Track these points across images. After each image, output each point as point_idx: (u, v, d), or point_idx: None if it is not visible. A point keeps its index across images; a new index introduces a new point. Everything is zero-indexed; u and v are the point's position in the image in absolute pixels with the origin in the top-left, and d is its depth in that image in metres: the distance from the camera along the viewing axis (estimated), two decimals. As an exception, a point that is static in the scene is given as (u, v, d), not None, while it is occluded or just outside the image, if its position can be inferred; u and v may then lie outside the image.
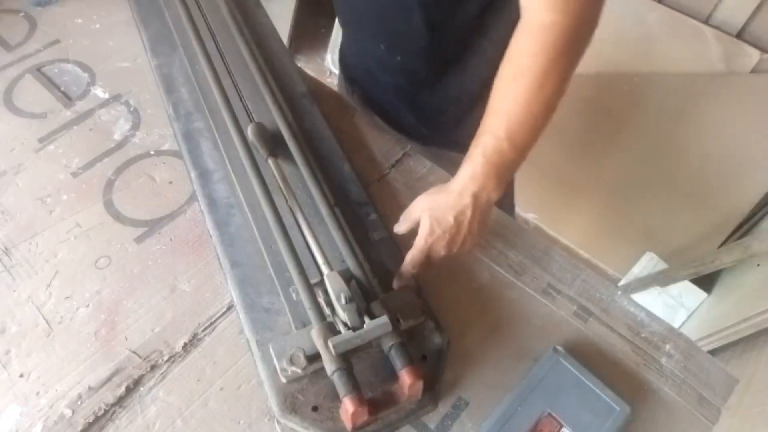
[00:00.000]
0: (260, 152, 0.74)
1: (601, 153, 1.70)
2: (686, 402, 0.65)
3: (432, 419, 0.61)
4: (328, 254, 0.64)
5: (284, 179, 0.71)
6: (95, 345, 0.64)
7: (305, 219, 0.67)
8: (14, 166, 0.79)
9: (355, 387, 0.53)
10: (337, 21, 2.11)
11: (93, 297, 0.67)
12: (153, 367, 0.62)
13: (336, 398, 0.54)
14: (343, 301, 0.57)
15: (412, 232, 0.66)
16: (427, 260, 0.65)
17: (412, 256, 0.64)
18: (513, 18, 0.66)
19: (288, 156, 0.75)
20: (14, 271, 0.69)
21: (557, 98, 0.62)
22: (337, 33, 2.15)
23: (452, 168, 0.86)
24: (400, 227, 0.70)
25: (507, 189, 1.06)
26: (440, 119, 0.93)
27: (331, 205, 0.69)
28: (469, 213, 0.64)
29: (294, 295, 0.63)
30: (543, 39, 0.59)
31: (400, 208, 0.78)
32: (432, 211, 0.64)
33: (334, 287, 0.58)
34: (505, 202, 1.03)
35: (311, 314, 0.58)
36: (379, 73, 0.91)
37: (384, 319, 0.56)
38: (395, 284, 0.65)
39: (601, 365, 0.65)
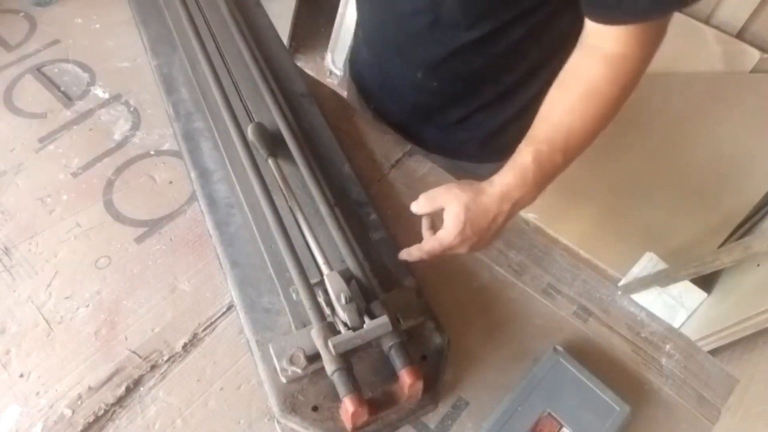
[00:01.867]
0: (260, 152, 0.74)
1: (601, 153, 1.69)
2: (686, 402, 0.65)
3: (432, 419, 0.61)
4: (328, 254, 0.64)
5: (284, 179, 0.71)
6: (95, 345, 0.64)
7: (305, 219, 0.67)
8: (14, 166, 0.79)
9: (355, 387, 0.53)
10: (340, 24, 2.11)
11: (93, 297, 0.67)
12: (153, 367, 0.62)
13: (336, 398, 0.54)
14: (343, 301, 0.57)
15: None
16: (443, 253, 0.64)
17: (431, 247, 0.63)
18: (554, 41, 0.67)
19: (288, 156, 0.75)
20: (14, 271, 0.69)
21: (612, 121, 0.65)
22: (337, 33, 2.15)
23: (464, 176, 0.84)
24: (420, 208, 0.66)
25: None
26: (462, 132, 0.92)
27: (331, 205, 0.69)
28: (501, 220, 0.63)
29: (294, 295, 0.63)
30: (621, 68, 0.62)
31: (400, 208, 0.78)
32: (469, 212, 0.62)
33: (334, 287, 0.58)
34: None
35: (311, 314, 0.58)
36: (408, 93, 0.90)
37: (384, 319, 0.56)
38: (401, 256, 0.65)
39: (601, 365, 0.65)
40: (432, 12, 0.74)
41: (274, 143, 0.75)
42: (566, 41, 0.81)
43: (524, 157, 0.63)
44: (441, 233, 0.63)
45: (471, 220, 0.62)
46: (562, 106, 0.64)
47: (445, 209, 0.63)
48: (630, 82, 0.63)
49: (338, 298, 0.57)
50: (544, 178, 0.64)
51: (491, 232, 0.64)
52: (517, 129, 0.86)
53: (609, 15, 0.60)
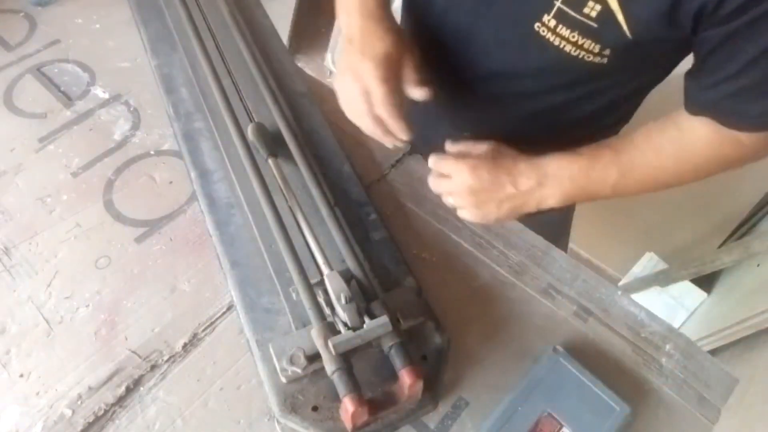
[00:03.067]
0: (260, 152, 0.74)
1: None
2: (686, 402, 0.65)
3: (432, 419, 0.61)
4: (328, 254, 0.64)
5: (284, 179, 0.71)
6: (95, 345, 0.64)
7: (305, 219, 0.67)
8: (14, 166, 0.79)
9: (355, 387, 0.53)
10: (339, 26, 2.11)
11: (93, 297, 0.67)
12: (153, 367, 0.62)
13: (336, 398, 0.54)
14: (343, 301, 0.57)
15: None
16: (444, 187, 0.62)
17: (437, 161, 0.62)
18: (621, 114, 0.64)
19: (288, 156, 0.75)
20: (14, 271, 0.69)
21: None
22: (337, 33, 2.15)
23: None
24: (454, 147, 0.65)
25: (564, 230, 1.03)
26: None
27: (331, 205, 0.69)
28: (521, 188, 0.59)
29: (294, 295, 0.63)
30: (728, 146, 0.58)
31: (400, 208, 0.78)
32: (497, 156, 0.59)
33: (334, 287, 0.58)
34: (560, 246, 1.01)
35: (311, 314, 0.58)
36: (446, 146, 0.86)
37: (384, 319, 0.56)
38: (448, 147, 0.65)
39: (601, 365, 0.65)
40: (500, 83, 0.69)
41: (274, 143, 0.75)
42: (632, 113, 0.77)
43: (580, 150, 0.59)
44: (459, 163, 0.60)
45: (494, 160, 0.59)
46: (648, 137, 0.60)
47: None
48: (732, 163, 0.59)
49: (338, 298, 0.57)
50: (585, 181, 0.59)
51: (503, 193, 0.60)
52: None
53: (739, 123, 0.56)
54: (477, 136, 0.78)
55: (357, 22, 0.63)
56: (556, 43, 0.57)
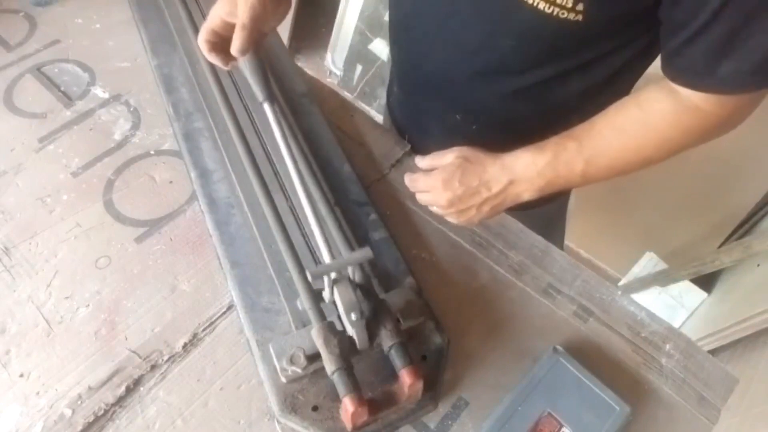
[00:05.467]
0: (256, 96, 0.70)
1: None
2: (686, 402, 0.65)
3: (432, 419, 0.61)
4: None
5: (280, 125, 0.67)
6: (95, 345, 0.64)
7: (313, 211, 0.65)
8: (14, 166, 0.79)
9: (355, 387, 0.53)
10: (340, 24, 2.11)
11: (93, 297, 0.67)
12: (153, 367, 0.62)
13: (336, 398, 0.54)
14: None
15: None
16: (425, 200, 0.67)
17: (412, 180, 0.67)
18: (614, 100, 0.64)
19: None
20: (14, 271, 0.69)
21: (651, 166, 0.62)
22: (337, 33, 2.15)
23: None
24: (423, 162, 0.69)
25: (558, 224, 1.03)
26: None
27: (331, 205, 0.69)
28: (495, 190, 0.61)
29: (299, 305, 0.63)
30: (688, 117, 0.58)
31: (400, 208, 0.78)
32: (464, 161, 0.61)
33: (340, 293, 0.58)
34: (557, 239, 1.01)
35: (311, 314, 0.58)
36: (442, 135, 0.84)
37: (366, 249, 0.55)
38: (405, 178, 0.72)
39: (601, 365, 0.65)
40: (483, 57, 0.68)
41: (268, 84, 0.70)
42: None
43: (545, 144, 0.61)
44: (432, 173, 0.64)
45: (463, 170, 0.61)
46: (610, 120, 0.61)
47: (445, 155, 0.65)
48: (695, 135, 0.59)
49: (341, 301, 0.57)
50: (553, 174, 0.61)
51: (480, 198, 0.62)
52: None
53: (696, 83, 0.56)
54: (469, 118, 0.79)
55: None
56: (530, 1, 0.57)
